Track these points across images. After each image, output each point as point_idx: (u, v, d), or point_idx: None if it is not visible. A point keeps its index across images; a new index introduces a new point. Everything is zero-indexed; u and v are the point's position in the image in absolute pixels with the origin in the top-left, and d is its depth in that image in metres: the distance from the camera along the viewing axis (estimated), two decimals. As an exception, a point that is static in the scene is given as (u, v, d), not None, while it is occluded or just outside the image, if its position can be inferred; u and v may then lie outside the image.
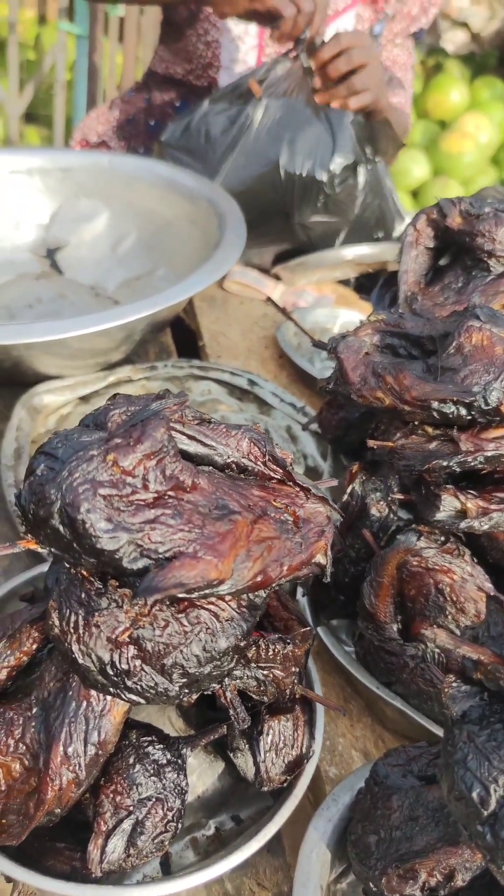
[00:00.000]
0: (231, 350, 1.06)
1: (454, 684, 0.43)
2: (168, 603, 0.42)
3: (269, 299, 1.15)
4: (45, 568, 0.65)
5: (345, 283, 1.22)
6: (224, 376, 0.95)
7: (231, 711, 0.46)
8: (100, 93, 2.57)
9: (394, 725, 0.64)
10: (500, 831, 0.39)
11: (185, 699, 0.45)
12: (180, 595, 0.39)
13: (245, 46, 1.40)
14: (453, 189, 2.63)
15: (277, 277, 1.21)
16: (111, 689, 0.43)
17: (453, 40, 3.61)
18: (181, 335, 1.11)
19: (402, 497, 0.63)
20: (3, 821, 0.47)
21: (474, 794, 0.40)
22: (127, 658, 0.42)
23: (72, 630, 0.42)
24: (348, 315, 1.10)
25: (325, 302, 1.13)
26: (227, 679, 0.46)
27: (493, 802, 0.39)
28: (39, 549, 0.41)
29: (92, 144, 1.56)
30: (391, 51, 1.52)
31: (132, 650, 0.42)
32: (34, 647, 0.50)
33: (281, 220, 1.17)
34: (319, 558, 0.45)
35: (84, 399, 0.91)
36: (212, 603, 0.43)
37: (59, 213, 1.19)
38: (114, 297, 1.11)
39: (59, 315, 1.04)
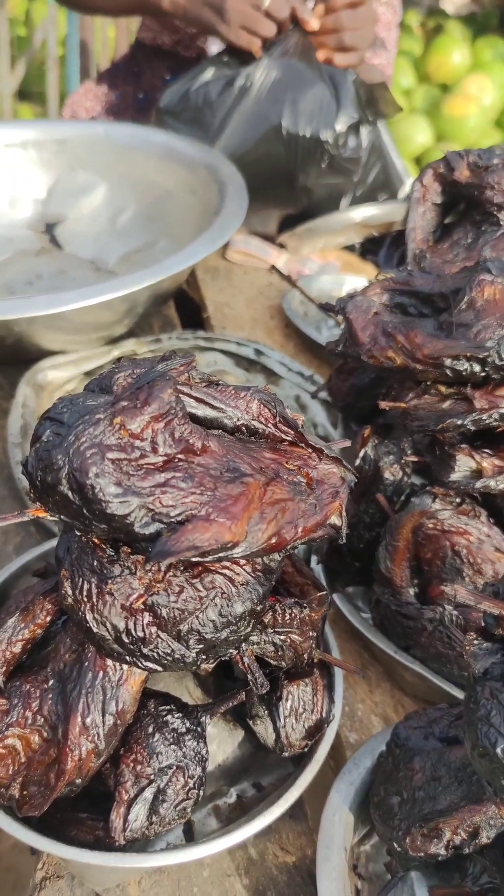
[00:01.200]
0: (236, 321, 1.04)
1: (475, 642, 0.42)
2: (182, 568, 0.42)
3: (273, 268, 1.14)
4: (56, 542, 0.64)
5: (349, 249, 1.20)
6: (230, 347, 0.94)
7: (249, 677, 0.45)
8: (93, 67, 2.53)
9: (413, 690, 0.63)
10: (526, 787, 0.38)
11: (202, 665, 0.44)
12: (194, 559, 0.39)
13: None
14: (456, 154, 2.58)
15: (282, 246, 1.19)
16: (128, 658, 0.42)
17: (453, 1, 3.53)
18: (185, 308, 1.10)
19: (415, 459, 0.62)
20: (25, 792, 0.47)
21: (498, 750, 0.39)
22: (142, 625, 0.41)
23: (85, 599, 0.41)
24: (354, 281, 1.08)
25: (330, 269, 1.11)
26: (244, 644, 0.45)
27: (519, 758, 0.39)
28: (49, 518, 0.40)
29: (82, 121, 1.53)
30: (375, 9, 1.48)
31: (147, 617, 0.41)
32: (48, 619, 0.49)
33: (284, 184, 1.14)
34: (334, 519, 0.44)
35: (89, 374, 0.90)
36: (226, 567, 0.43)
37: (57, 187, 1.17)
38: (114, 271, 1.09)
39: (60, 291, 1.03)
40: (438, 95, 2.78)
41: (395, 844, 0.48)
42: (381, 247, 1.11)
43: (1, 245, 1.11)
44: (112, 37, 2.65)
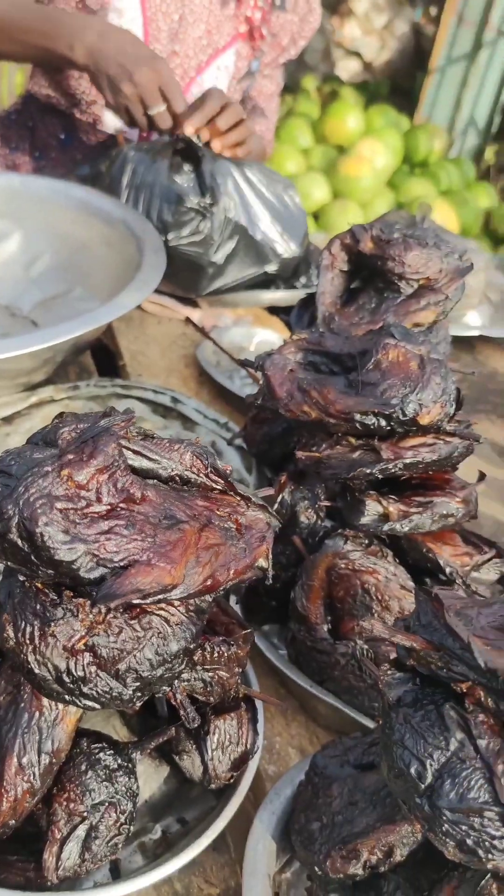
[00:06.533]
0: (151, 368, 1.08)
1: (388, 672, 0.47)
2: (121, 610, 0.44)
3: (188, 319, 1.18)
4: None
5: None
6: (147, 394, 0.97)
7: (181, 712, 0.48)
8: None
9: (326, 722, 0.67)
10: (436, 801, 0.42)
11: (137, 703, 0.46)
12: (136, 601, 0.41)
13: None
14: (352, 211, 2.73)
15: (195, 304, 1.23)
16: (66, 697, 0.44)
17: (347, 68, 3.77)
18: (100, 355, 1.12)
19: (328, 504, 0.67)
20: (-42, 837, 0.47)
21: (412, 770, 0.43)
22: (83, 665, 0.43)
23: (27, 641, 0.43)
24: (264, 334, 1.14)
25: (243, 322, 1.17)
26: (176, 681, 0.48)
27: (430, 776, 0.43)
28: (-4, 564, 0.42)
29: None
30: (259, 81, 1.58)
31: (87, 657, 0.43)
32: (-18, 663, 0.51)
33: None
34: (261, 562, 0.48)
35: (7, 420, 0.91)
36: (162, 609, 0.46)
37: (-30, 234, 1.18)
38: (30, 318, 1.11)
39: (-24, 336, 1.03)
40: (335, 155, 2.95)
41: (315, 868, 0.51)
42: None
43: None
44: (19, 83, 2.66)
